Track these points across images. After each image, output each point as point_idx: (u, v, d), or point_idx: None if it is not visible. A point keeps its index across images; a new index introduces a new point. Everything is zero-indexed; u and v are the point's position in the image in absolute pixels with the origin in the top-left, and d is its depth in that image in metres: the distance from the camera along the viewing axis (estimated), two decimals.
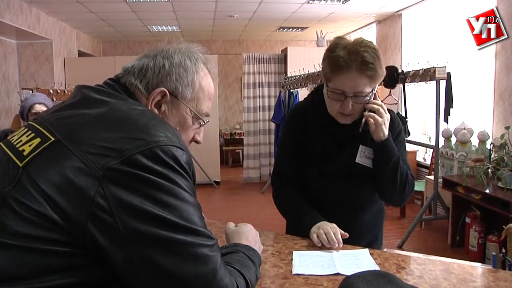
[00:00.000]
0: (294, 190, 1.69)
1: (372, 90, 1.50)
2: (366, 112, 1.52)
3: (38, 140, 0.87)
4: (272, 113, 7.42)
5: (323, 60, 1.53)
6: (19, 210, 0.78)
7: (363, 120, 1.54)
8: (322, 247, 1.42)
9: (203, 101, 1.08)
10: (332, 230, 1.44)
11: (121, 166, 0.79)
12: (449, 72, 4.20)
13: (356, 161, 1.59)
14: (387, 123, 1.55)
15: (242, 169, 8.00)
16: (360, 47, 1.43)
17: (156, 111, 1.01)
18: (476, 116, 5.00)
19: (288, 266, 1.26)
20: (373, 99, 1.54)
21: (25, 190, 0.79)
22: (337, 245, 1.41)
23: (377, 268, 1.25)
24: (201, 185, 7.03)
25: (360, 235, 1.63)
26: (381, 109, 1.52)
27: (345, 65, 1.43)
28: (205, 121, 1.11)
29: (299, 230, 1.57)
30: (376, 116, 1.51)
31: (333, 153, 1.61)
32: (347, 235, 1.45)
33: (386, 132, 1.54)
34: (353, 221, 1.64)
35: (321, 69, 1.57)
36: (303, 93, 7.24)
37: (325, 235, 1.43)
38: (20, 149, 0.87)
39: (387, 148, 1.54)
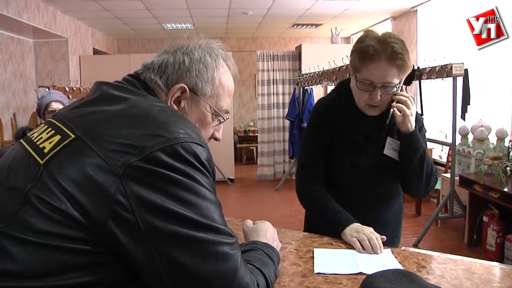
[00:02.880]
0: (322, 186, 1.67)
1: (400, 82, 1.51)
2: (394, 103, 1.53)
3: (58, 137, 0.87)
4: (286, 110, 7.39)
5: (352, 52, 1.55)
6: (40, 208, 0.78)
7: (391, 111, 1.55)
8: (345, 248, 1.40)
9: (223, 98, 1.07)
10: (373, 235, 1.41)
11: (142, 164, 0.79)
12: (466, 69, 4.14)
13: (384, 152, 1.60)
14: (414, 115, 1.56)
15: (256, 167, 7.99)
16: (389, 38, 1.46)
17: (175, 107, 1.01)
18: (494, 113, 4.92)
19: (306, 264, 1.25)
20: (400, 91, 1.54)
21: (47, 188, 0.79)
22: (379, 251, 1.37)
23: (400, 267, 1.23)
24: (215, 183, 7.03)
25: (384, 230, 1.57)
26: (408, 101, 1.52)
27: (375, 54, 1.45)
28: (225, 118, 1.10)
29: (327, 228, 1.54)
30: (404, 107, 1.51)
31: (361, 145, 1.62)
32: (384, 238, 1.42)
33: (414, 124, 1.55)
34: (378, 215, 1.66)
35: (349, 62, 1.60)
36: (317, 90, 7.22)
37: (368, 241, 1.39)
38: (41, 146, 0.87)
39: (414, 140, 1.55)
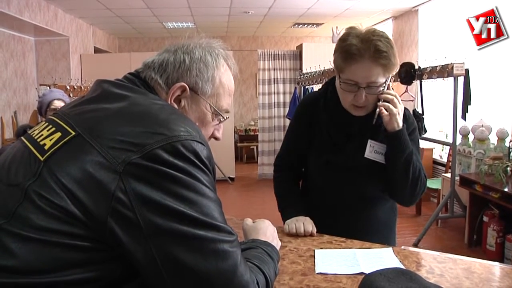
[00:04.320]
0: (290, 178, 1.75)
1: (386, 80, 1.47)
2: (381, 102, 1.49)
3: (58, 134, 0.87)
4: (287, 109, 7.40)
5: (335, 51, 1.50)
6: (40, 204, 0.78)
7: (377, 111, 1.49)
8: (344, 246, 1.41)
9: (223, 97, 1.07)
10: (301, 220, 1.52)
11: (142, 161, 0.79)
12: (467, 69, 4.14)
13: (365, 156, 1.55)
14: (402, 114, 1.51)
15: (256, 166, 8.00)
16: (373, 36, 1.40)
17: (175, 106, 1.01)
18: (494, 113, 4.92)
19: (306, 263, 1.25)
20: (387, 89, 1.50)
21: (47, 184, 0.79)
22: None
23: (402, 267, 1.22)
24: (215, 181, 7.05)
25: (369, 233, 1.59)
26: (395, 99, 1.48)
27: (358, 53, 1.40)
28: (225, 118, 1.10)
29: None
30: (391, 106, 1.47)
31: (341, 145, 1.59)
32: (312, 232, 1.50)
33: (401, 123, 1.49)
34: (361, 217, 1.64)
35: (333, 61, 1.55)
36: None
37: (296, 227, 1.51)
38: (41, 143, 0.88)
39: (401, 139, 1.49)
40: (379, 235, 1.66)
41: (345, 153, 1.58)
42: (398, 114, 1.49)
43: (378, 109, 1.49)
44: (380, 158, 1.56)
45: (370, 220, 1.65)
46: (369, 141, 1.56)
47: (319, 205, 1.68)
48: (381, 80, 1.45)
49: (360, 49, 1.40)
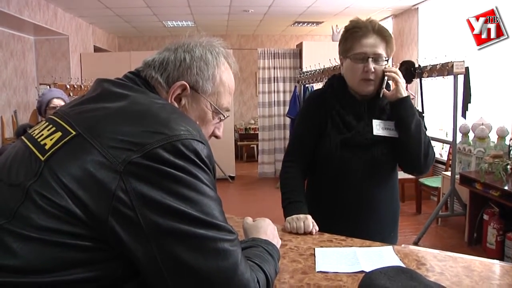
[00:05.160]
0: (298, 174, 1.77)
1: (387, 60, 1.67)
2: (386, 73, 1.66)
3: (59, 134, 0.87)
4: (287, 108, 7.39)
5: (341, 40, 1.71)
6: (41, 204, 0.78)
7: (385, 79, 1.66)
8: (344, 245, 1.41)
9: (223, 96, 1.07)
10: (302, 220, 1.54)
11: (142, 160, 0.79)
12: (467, 67, 4.14)
13: (374, 133, 1.67)
14: (404, 86, 1.67)
15: (256, 164, 8.00)
16: (373, 20, 1.66)
17: (176, 104, 1.01)
18: (495, 111, 4.92)
19: (307, 261, 1.26)
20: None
21: (47, 184, 0.80)
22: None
23: (402, 265, 1.22)
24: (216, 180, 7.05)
25: (379, 224, 1.70)
26: (398, 72, 1.66)
27: (364, 27, 1.64)
28: (225, 116, 1.10)
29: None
30: (395, 75, 1.65)
31: (352, 126, 1.70)
32: (312, 231, 1.51)
33: (405, 92, 1.66)
34: (369, 202, 1.71)
35: (338, 53, 1.74)
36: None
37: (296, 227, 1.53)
38: (42, 143, 0.88)
39: (409, 103, 1.66)
40: (388, 227, 1.77)
41: (357, 131, 1.69)
42: (402, 84, 1.66)
43: (385, 78, 1.66)
44: (388, 133, 1.69)
45: (378, 203, 1.73)
46: (373, 121, 1.70)
47: (327, 196, 1.76)
48: (384, 54, 1.65)
49: (366, 25, 1.64)
